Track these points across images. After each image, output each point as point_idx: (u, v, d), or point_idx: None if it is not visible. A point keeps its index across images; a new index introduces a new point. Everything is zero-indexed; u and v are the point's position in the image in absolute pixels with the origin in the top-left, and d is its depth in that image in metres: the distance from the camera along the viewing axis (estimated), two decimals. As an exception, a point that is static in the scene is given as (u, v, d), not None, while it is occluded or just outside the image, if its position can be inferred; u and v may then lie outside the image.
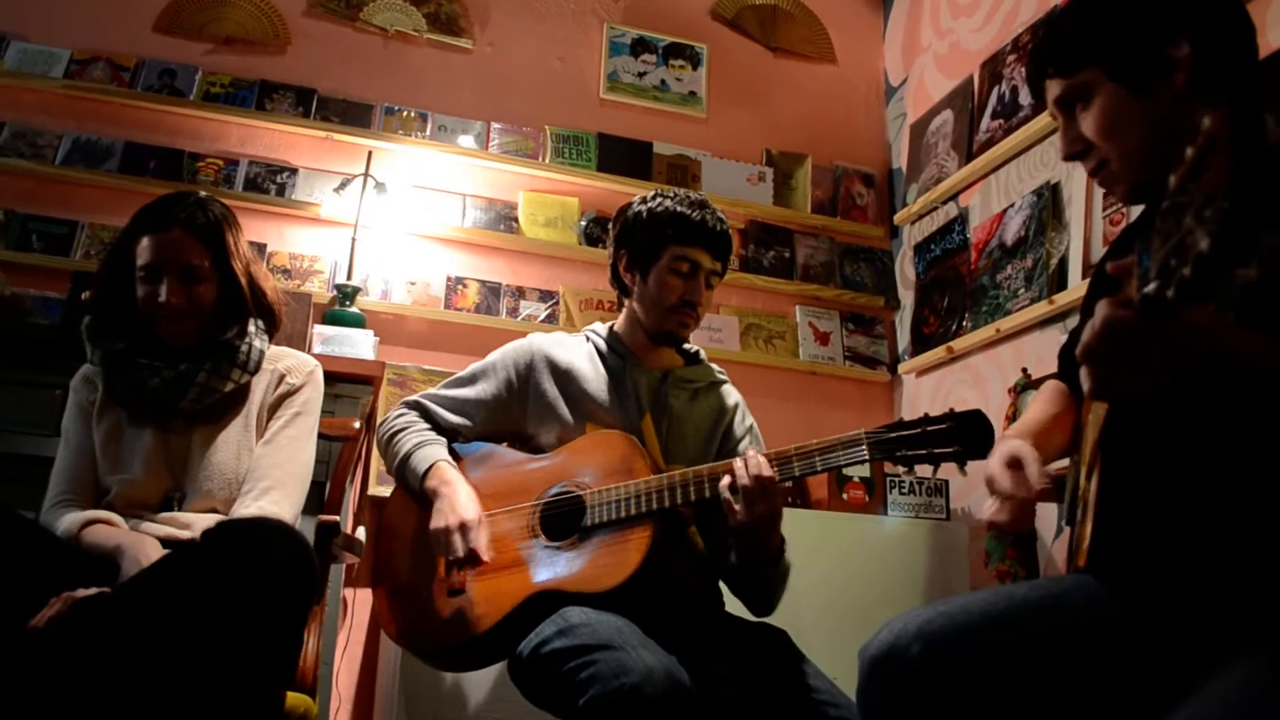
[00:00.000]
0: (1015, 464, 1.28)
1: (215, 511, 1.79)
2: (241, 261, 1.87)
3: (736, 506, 1.65)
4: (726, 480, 1.67)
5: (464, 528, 1.76)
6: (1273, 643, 0.97)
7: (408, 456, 1.90)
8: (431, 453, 1.89)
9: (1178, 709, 0.98)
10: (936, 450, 1.58)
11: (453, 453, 1.93)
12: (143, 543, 1.64)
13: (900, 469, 1.63)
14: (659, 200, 1.94)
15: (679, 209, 1.91)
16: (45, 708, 1.46)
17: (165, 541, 1.69)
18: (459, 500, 1.80)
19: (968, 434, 1.56)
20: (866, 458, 1.62)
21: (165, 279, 1.79)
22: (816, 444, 1.67)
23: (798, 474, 1.68)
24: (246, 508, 1.76)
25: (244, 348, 1.86)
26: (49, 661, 1.47)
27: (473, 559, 1.75)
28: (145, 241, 1.80)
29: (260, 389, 1.90)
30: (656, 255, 1.92)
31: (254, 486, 1.79)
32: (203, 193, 1.90)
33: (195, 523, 1.74)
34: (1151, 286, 0.86)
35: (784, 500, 1.71)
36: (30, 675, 1.47)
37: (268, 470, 1.82)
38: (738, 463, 1.67)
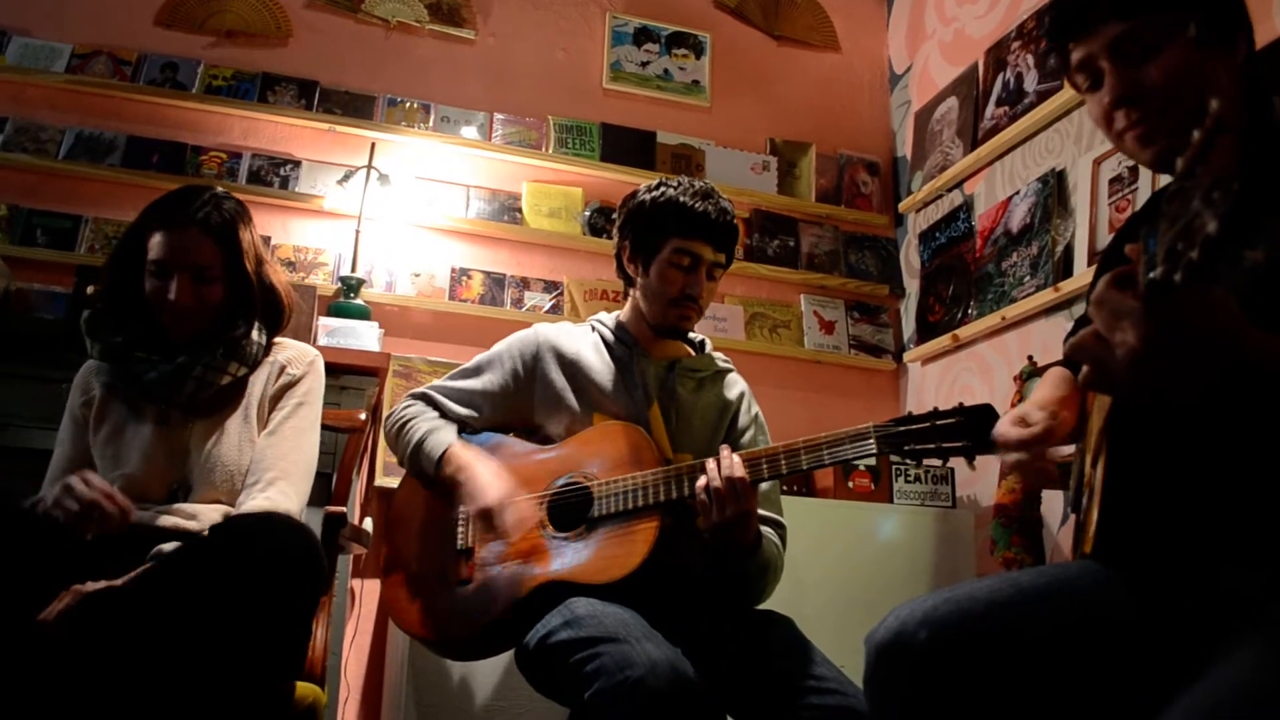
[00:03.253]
0: (1022, 423, 1.28)
1: (220, 503, 1.79)
2: (252, 261, 1.86)
3: (709, 506, 1.65)
4: (701, 481, 1.66)
5: (487, 515, 1.77)
6: (1280, 628, 0.97)
7: (420, 444, 1.90)
8: (443, 439, 1.89)
9: (1184, 694, 0.98)
10: (945, 444, 1.57)
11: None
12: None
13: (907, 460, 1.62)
14: (662, 190, 1.92)
15: (681, 199, 1.89)
16: (56, 701, 1.47)
17: (174, 533, 1.70)
18: (479, 484, 1.80)
19: (976, 428, 1.54)
20: (874, 452, 1.61)
21: (175, 277, 1.78)
22: (824, 437, 1.66)
23: (805, 467, 1.68)
24: (253, 499, 1.76)
25: (242, 341, 1.86)
26: (59, 655, 1.48)
27: (503, 540, 1.76)
28: (158, 237, 1.79)
29: (260, 381, 1.90)
30: (658, 247, 1.91)
31: (260, 478, 1.79)
32: (219, 188, 1.88)
33: (201, 513, 1.74)
34: (1158, 271, 0.85)
35: (755, 501, 1.69)
36: (40, 668, 1.47)
37: (273, 461, 1.81)
38: (710, 463, 1.67)
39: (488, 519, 1.77)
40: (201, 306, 1.81)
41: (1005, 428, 1.29)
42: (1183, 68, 1.19)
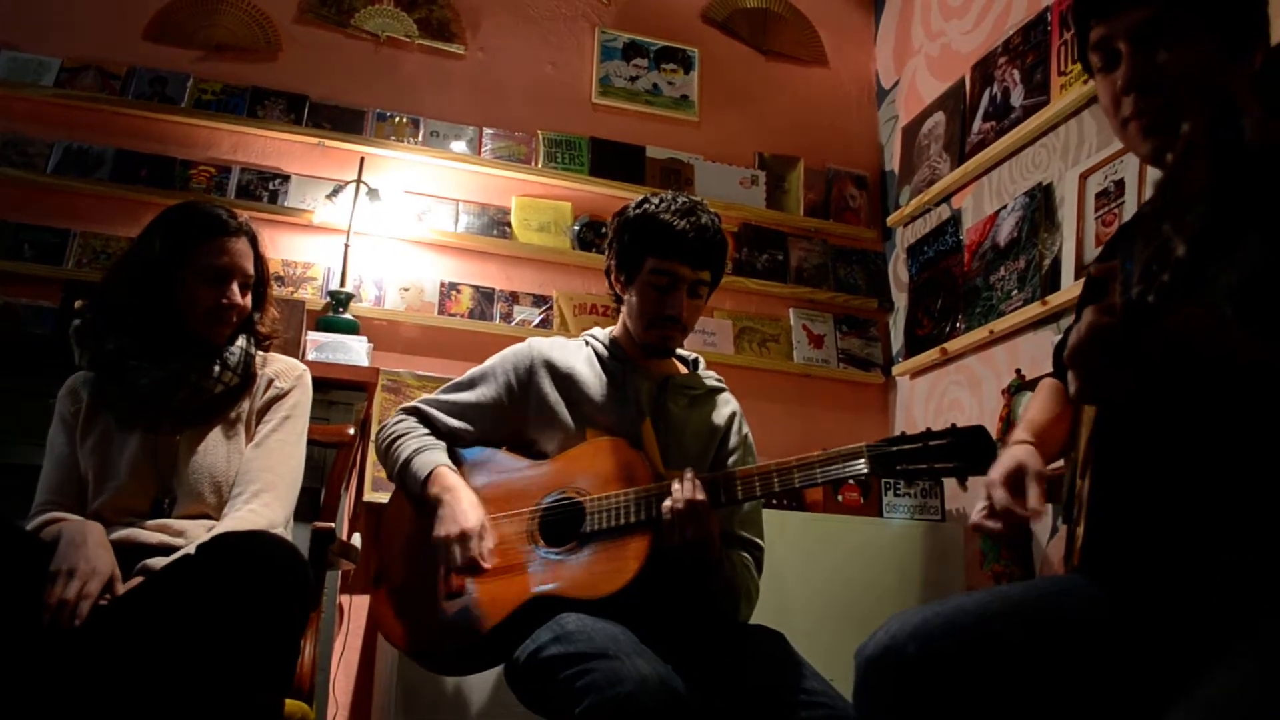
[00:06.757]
0: (1017, 475, 1.28)
1: (207, 516, 1.78)
2: (267, 276, 1.98)
3: (671, 528, 1.65)
4: (667, 503, 1.66)
5: (464, 536, 1.76)
6: (1271, 642, 0.97)
7: (408, 462, 1.89)
8: (432, 458, 1.88)
9: (1174, 709, 0.98)
10: (937, 465, 1.56)
11: (453, 457, 1.93)
12: (84, 530, 1.63)
13: (898, 477, 1.62)
14: (644, 207, 1.91)
15: (661, 217, 1.87)
16: (44, 717, 1.46)
17: (160, 549, 1.69)
18: (460, 508, 1.80)
19: (969, 450, 1.54)
20: (866, 471, 1.61)
21: (233, 282, 1.85)
22: (817, 456, 1.66)
23: (798, 486, 1.68)
24: (238, 510, 1.76)
25: (233, 350, 1.88)
26: (47, 674, 1.47)
27: (474, 567, 1.75)
28: (216, 244, 1.84)
29: (249, 394, 1.91)
30: (638, 266, 1.90)
31: (245, 489, 1.79)
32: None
33: (189, 530, 1.74)
34: (1134, 291, 0.87)
35: (715, 523, 1.69)
36: (28, 688, 1.46)
37: (258, 473, 1.82)
38: (675, 484, 1.67)
39: (463, 543, 1.77)
40: (242, 313, 1.90)
41: (997, 488, 1.28)
42: (1199, 66, 1.18)
